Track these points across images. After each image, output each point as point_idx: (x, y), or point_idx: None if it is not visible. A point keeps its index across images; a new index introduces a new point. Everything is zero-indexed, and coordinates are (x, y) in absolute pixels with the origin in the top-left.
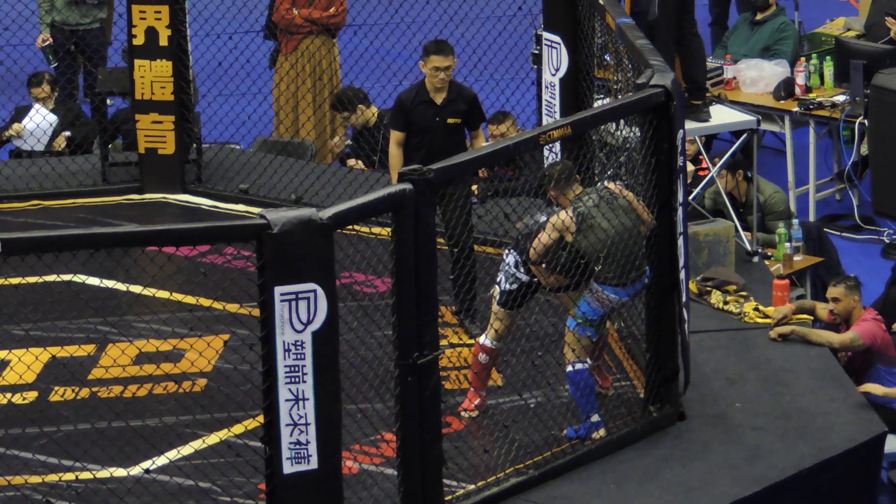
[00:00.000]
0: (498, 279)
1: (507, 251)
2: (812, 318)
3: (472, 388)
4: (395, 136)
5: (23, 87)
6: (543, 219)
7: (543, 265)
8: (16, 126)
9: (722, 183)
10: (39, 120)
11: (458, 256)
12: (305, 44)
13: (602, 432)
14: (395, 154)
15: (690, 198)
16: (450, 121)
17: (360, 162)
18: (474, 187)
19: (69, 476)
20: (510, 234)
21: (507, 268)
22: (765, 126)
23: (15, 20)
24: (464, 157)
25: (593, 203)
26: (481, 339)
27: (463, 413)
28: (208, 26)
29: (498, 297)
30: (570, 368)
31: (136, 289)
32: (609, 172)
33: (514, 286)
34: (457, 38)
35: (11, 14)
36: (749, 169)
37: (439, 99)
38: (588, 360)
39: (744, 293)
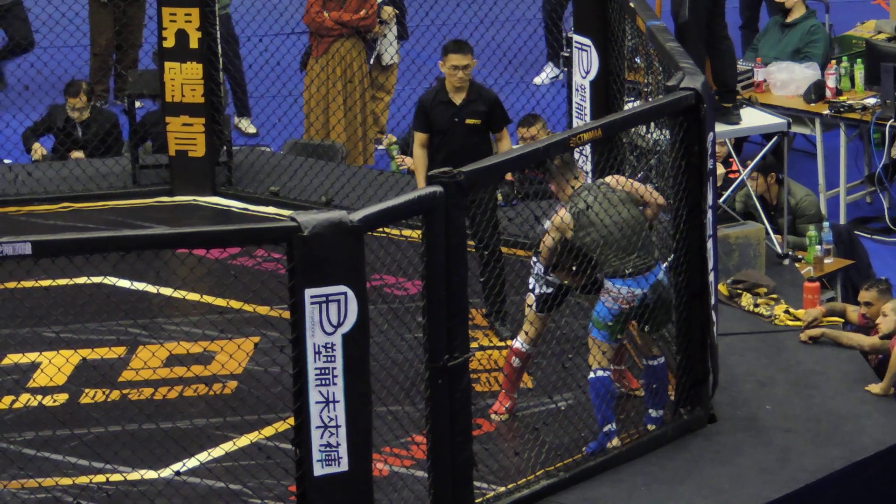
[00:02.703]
0: (531, 285)
1: (534, 257)
2: (843, 320)
3: (502, 391)
4: (419, 138)
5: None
6: (547, 224)
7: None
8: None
9: (753, 185)
10: None
11: (489, 259)
12: (336, 46)
13: (616, 441)
14: (419, 156)
15: (721, 200)
16: (468, 121)
17: (407, 159)
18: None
19: (100, 478)
20: (536, 234)
21: (538, 273)
22: (795, 129)
23: (58, 22)
24: (494, 160)
25: (591, 199)
26: (515, 344)
27: (493, 416)
28: (238, 29)
29: (534, 304)
30: (591, 375)
31: (167, 291)
32: (639, 175)
33: (550, 289)
34: (487, 40)
35: (55, 16)
36: (780, 172)
37: (458, 99)
38: (610, 366)
39: (774, 296)
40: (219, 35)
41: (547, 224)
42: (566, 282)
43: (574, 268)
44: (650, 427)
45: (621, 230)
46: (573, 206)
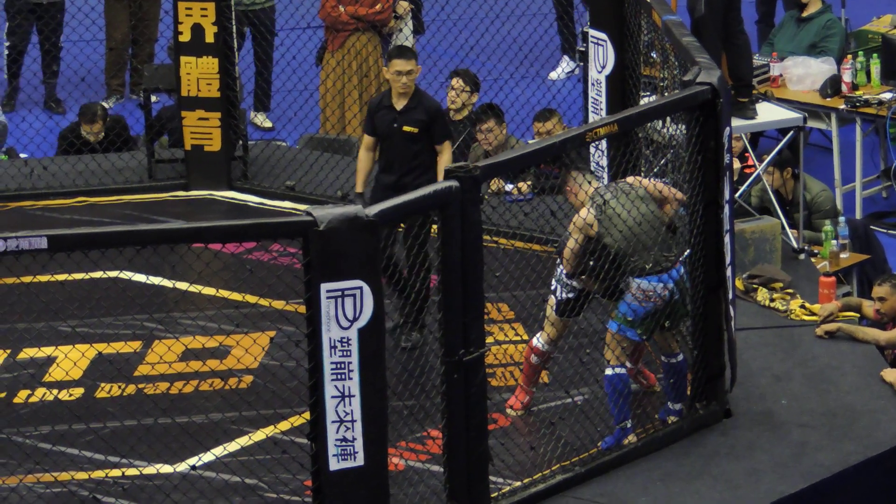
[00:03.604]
0: (553, 288)
1: (559, 260)
2: (858, 315)
3: (519, 386)
4: (365, 140)
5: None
6: (570, 228)
7: (583, 275)
8: None
9: (769, 180)
10: None
11: (415, 281)
12: (352, 41)
13: (632, 438)
14: (361, 158)
15: (737, 195)
16: (405, 128)
17: None
18: (527, 183)
19: (115, 472)
20: (556, 232)
21: (561, 277)
22: (811, 123)
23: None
24: (510, 155)
25: (609, 195)
26: (534, 342)
27: (509, 411)
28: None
29: (555, 307)
30: (608, 371)
31: (183, 285)
32: (655, 170)
33: (571, 294)
34: (503, 35)
35: (71, 10)
36: (796, 166)
37: (400, 105)
38: (627, 363)
39: (790, 290)
40: (259, 27)
41: (570, 228)
42: (591, 288)
43: (598, 272)
44: (669, 419)
45: (645, 225)
46: (593, 203)
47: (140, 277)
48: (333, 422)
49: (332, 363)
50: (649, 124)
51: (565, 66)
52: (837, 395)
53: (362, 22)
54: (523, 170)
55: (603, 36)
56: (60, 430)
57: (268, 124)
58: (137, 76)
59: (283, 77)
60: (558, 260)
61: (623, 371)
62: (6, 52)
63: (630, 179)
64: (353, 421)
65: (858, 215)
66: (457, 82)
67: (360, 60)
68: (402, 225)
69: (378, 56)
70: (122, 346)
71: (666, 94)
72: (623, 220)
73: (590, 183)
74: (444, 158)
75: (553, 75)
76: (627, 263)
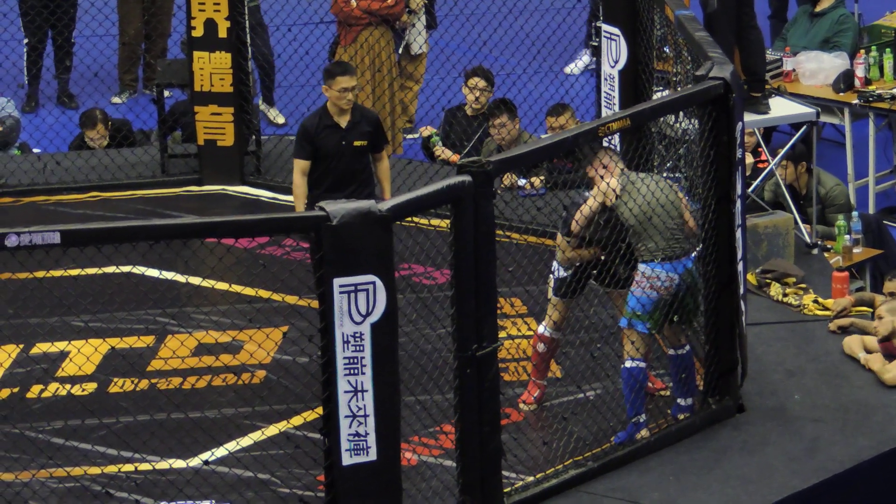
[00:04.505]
0: (552, 268)
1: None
2: (871, 310)
3: (531, 380)
4: (301, 166)
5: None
6: (587, 193)
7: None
8: None
9: (782, 174)
10: None
11: None
12: (364, 35)
13: (645, 433)
14: (299, 184)
15: (749, 190)
16: (356, 143)
17: (447, 150)
18: (540, 178)
19: (128, 467)
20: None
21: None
22: (824, 118)
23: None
24: (524, 149)
25: (635, 176)
26: (539, 329)
27: (522, 405)
28: (267, 18)
29: (553, 286)
30: (627, 364)
31: (196, 280)
32: (668, 164)
33: (568, 272)
34: (516, 29)
35: (84, 5)
36: (811, 161)
37: (344, 122)
38: (643, 358)
39: (803, 285)
40: (248, 25)
41: (586, 193)
42: (589, 255)
43: (603, 240)
44: (680, 416)
45: (664, 209)
46: (621, 175)
47: (153, 272)
48: (346, 417)
49: (344, 358)
50: (662, 119)
51: (586, 59)
52: (850, 390)
53: (374, 16)
54: (536, 164)
55: (616, 31)
56: (73, 425)
57: (280, 120)
58: (150, 71)
59: (296, 72)
60: (558, 238)
61: (642, 364)
62: (25, 53)
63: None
64: (365, 416)
65: (871, 210)
66: (478, 82)
67: (373, 55)
68: None
69: (390, 51)
70: (135, 341)
71: (679, 88)
72: (646, 201)
73: (616, 164)
74: (385, 165)
75: (568, 69)
76: (638, 244)
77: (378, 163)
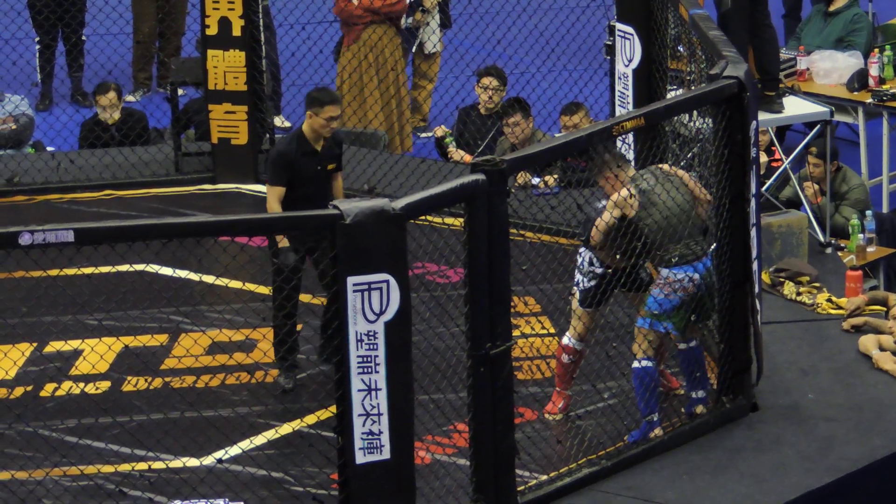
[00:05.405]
0: (576, 279)
1: (580, 250)
2: (885, 308)
3: (556, 390)
4: (277, 192)
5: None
6: (603, 203)
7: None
8: None
9: (812, 171)
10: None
11: (329, 305)
12: (367, 33)
13: (658, 431)
14: (276, 211)
15: (763, 189)
16: (329, 167)
17: (459, 151)
18: (553, 176)
19: (142, 466)
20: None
21: (582, 266)
22: (838, 117)
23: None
24: (537, 148)
25: (653, 180)
26: (564, 340)
27: (547, 416)
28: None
29: (579, 298)
30: (636, 364)
31: (209, 279)
32: (682, 163)
33: (593, 282)
34: (529, 28)
35: (98, 3)
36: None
37: (319, 147)
38: (655, 356)
39: (817, 284)
40: (261, 24)
41: (600, 204)
42: (612, 263)
43: (625, 250)
44: (696, 409)
45: (683, 212)
46: (635, 185)
47: (167, 271)
48: (360, 415)
49: (358, 357)
50: (676, 118)
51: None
52: (864, 389)
53: (377, 14)
54: (550, 163)
55: (630, 30)
56: (87, 424)
57: (287, 125)
58: (164, 70)
59: (299, 69)
60: (580, 250)
61: (650, 364)
62: (37, 52)
63: (664, 167)
64: (379, 414)
65: (885, 209)
66: (491, 82)
67: (377, 53)
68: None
69: (394, 48)
70: (149, 340)
71: (693, 87)
72: (665, 206)
73: (626, 172)
74: (340, 183)
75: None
76: (658, 250)
77: (334, 181)
